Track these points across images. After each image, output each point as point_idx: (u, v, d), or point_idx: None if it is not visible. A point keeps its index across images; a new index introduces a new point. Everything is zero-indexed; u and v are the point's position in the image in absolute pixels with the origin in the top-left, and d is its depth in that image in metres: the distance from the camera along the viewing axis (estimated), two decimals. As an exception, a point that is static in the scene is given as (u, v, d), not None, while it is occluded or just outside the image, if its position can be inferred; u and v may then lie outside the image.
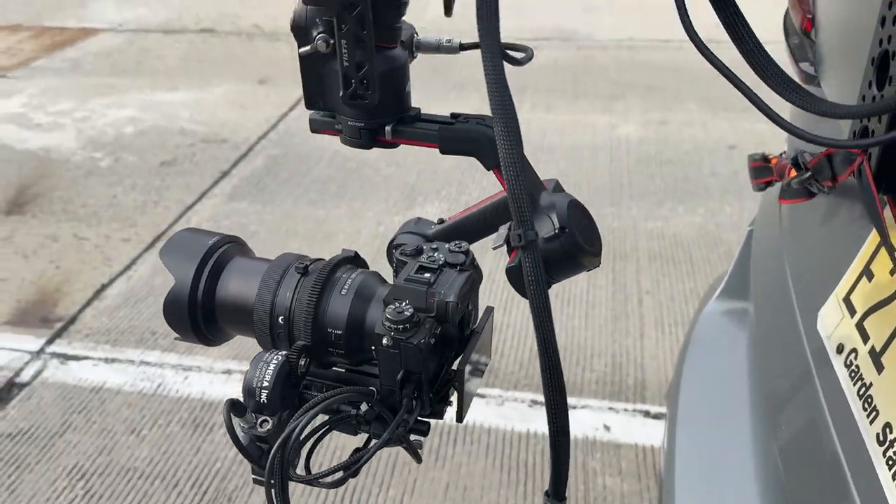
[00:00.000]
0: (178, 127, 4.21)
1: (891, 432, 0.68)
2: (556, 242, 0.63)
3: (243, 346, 2.48)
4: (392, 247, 0.84)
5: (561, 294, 2.70)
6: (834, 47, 0.95)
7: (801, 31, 1.02)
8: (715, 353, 1.34)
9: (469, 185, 3.50)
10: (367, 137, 0.62)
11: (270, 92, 4.69)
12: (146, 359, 2.48)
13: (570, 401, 2.24)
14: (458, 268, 0.69)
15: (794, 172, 0.88)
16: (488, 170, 0.64)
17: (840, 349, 0.80)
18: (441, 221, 0.83)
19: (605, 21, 5.74)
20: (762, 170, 1.19)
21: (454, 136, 0.61)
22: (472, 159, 0.65)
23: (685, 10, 0.55)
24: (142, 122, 4.28)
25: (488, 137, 0.61)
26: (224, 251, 0.75)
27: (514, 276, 0.64)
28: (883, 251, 0.77)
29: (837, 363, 0.80)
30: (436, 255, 0.72)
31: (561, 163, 3.65)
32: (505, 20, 0.52)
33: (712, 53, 0.56)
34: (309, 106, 0.63)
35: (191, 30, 5.94)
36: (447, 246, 0.75)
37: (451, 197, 3.42)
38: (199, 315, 0.74)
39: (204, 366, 2.44)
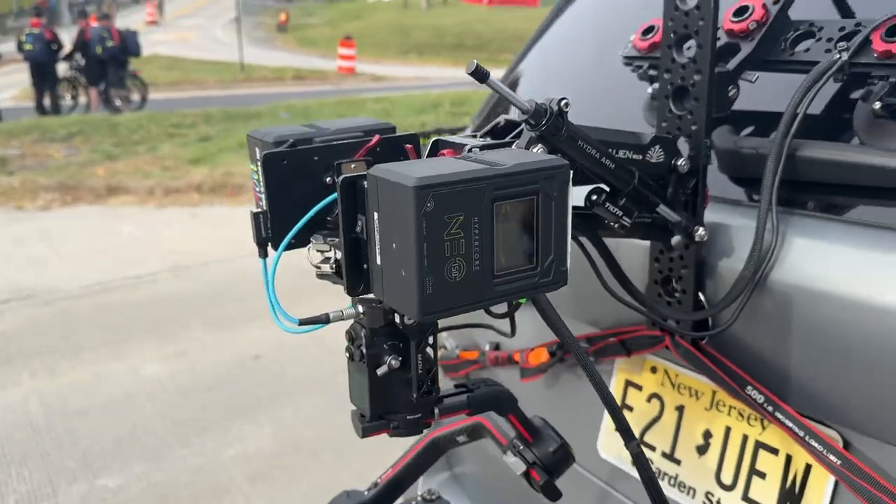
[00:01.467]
0: None
1: (713, 496, 1.06)
2: (561, 451, 0.84)
3: None
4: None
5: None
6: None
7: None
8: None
9: (10, 481, 3.00)
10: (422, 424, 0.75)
11: None
12: None
13: None
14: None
15: (547, 357, 1.23)
16: (503, 416, 0.82)
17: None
18: (375, 485, 0.94)
19: (58, 272, 5.51)
20: (461, 364, 1.53)
21: (481, 400, 0.78)
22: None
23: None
24: None
25: (503, 394, 0.80)
26: None
27: (549, 489, 0.81)
28: (632, 389, 1.18)
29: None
30: (425, 511, 0.85)
31: (102, 420, 3.40)
32: None
33: None
34: None
35: None
36: (419, 496, 0.88)
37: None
38: None
39: None
